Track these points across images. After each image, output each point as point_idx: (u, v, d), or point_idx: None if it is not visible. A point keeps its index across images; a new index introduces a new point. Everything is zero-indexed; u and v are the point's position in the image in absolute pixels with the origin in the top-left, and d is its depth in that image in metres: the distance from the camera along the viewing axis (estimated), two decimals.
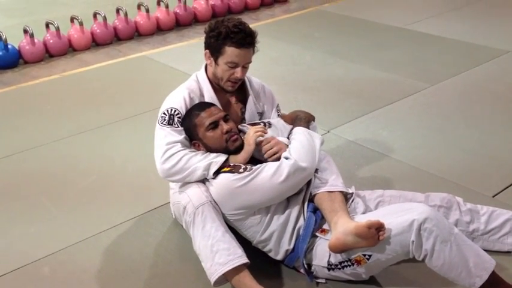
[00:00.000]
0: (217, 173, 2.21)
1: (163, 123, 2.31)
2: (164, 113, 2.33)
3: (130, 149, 3.37)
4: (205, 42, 2.36)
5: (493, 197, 2.74)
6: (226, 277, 2.12)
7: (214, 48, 2.31)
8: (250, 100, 2.50)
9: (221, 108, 2.40)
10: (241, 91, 2.50)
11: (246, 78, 2.49)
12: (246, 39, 2.27)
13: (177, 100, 2.36)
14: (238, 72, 2.32)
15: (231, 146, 2.27)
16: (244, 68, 2.34)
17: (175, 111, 2.32)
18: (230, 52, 2.27)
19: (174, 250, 2.46)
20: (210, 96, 2.41)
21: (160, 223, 2.63)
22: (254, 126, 2.26)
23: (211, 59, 2.35)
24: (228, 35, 2.25)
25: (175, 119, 2.31)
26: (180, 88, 2.44)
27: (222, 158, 2.22)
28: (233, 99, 2.50)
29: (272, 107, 2.57)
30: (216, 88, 2.43)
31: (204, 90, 2.42)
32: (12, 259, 2.44)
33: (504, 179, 2.89)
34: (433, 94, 3.99)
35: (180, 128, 2.31)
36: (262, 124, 2.45)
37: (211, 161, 2.21)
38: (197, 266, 2.21)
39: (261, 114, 2.55)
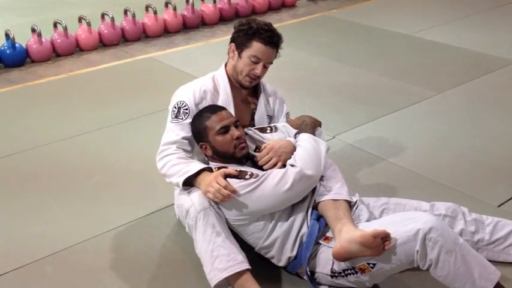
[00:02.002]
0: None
1: (172, 116, 2.39)
2: (175, 107, 2.40)
3: (135, 150, 3.37)
4: (232, 37, 2.43)
5: (498, 207, 2.73)
6: (229, 281, 2.12)
7: (241, 41, 2.39)
8: (261, 99, 2.53)
9: (234, 105, 2.44)
10: (255, 92, 2.56)
11: (261, 82, 2.54)
12: (273, 38, 2.37)
13: (186, 93, 2.42)
14: (258, 68, 2.37)
15: (238, 153, 2.28)
16: (265, 67, 2.40)
17: (182, 103, 2.39)
18: (256, 47, 2.35)
19: (177, 252, 2.46)
20: (225, 91, 2.45)
21: (164, 225, 2.63)
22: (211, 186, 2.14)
23: (236, 52, 2.42)
24: (258, 31, 2.35)
25: (182, 111, 2.37)
26: (193, 82, 2.50)
27: (189, 172, 2.21)
28: (247, 99, 2.54)
29: (282, 113, 2.60)
30: (233, 85, 2.47)
31: (220, 85, 2.46)
32: (16, 257, 2.44)
33: (510, 189, 2.88)
34: (439, 102, 3.97)
35: (185, 122, 2.36)
36: (269, 128, 2.46)
37: (180, 178, 2.23)
38: (200, 268, 2.20)
39: (270, 118, 2.58)
